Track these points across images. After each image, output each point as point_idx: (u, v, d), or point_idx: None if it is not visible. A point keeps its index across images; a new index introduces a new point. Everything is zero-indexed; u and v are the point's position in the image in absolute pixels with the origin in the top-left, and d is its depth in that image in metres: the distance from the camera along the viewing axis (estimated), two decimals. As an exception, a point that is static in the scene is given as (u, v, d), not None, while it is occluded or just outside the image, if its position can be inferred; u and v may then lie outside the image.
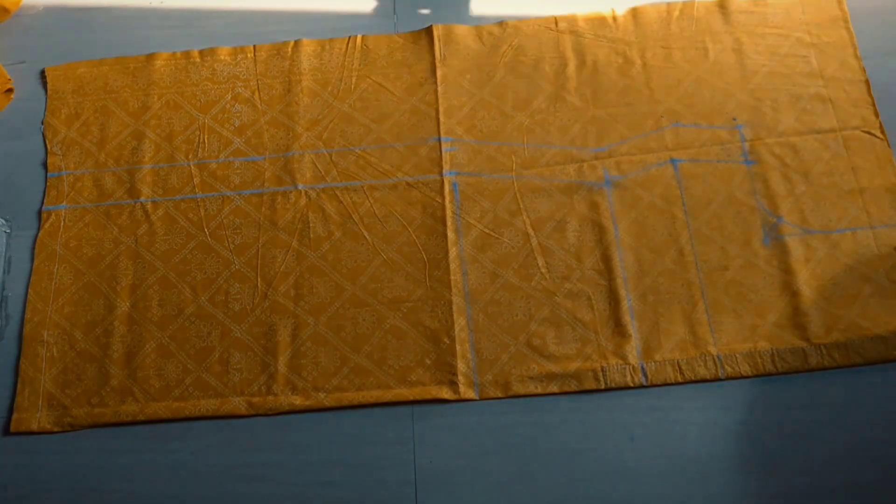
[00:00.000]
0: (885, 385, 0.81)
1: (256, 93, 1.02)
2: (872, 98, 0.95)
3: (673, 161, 0.93)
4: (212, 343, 0.88)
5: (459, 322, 0.87)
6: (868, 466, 0.77)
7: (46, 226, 0.95)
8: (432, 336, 0.86)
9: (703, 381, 0.82)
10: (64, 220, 0.95)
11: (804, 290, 0.85)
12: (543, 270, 0.89)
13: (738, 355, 0.83)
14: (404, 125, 0.99)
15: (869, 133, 0.93)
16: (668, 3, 1.04)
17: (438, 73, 1.02)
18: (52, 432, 0.84)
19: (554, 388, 0.83)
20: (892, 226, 0.88)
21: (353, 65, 1.03)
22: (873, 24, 0.93)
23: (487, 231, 0.91)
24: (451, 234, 0.91)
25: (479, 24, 1.05)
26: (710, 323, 0.85)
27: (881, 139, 0.92)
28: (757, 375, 0.82)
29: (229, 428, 0.84)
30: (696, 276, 0.87)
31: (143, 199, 0.96)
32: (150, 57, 1.06)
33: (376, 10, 1.09)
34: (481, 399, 0.83)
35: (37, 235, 0.95)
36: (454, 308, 0.87)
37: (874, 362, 0.82)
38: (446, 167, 0.95)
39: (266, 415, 0.84)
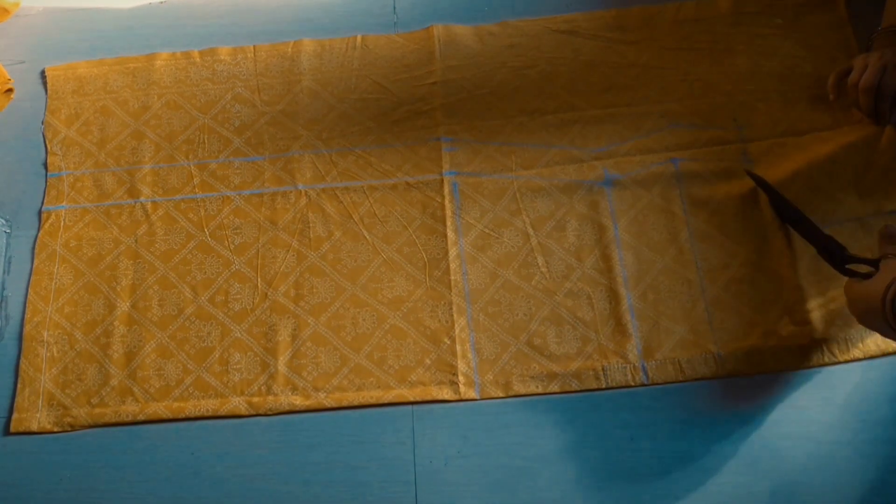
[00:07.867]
0: (886, 382, 0.81)
1: (256, 93, 1.02)
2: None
3: (673, 160, 0.93)
4: (212, 343, 0.87)
5: (460, 322, 0.87)
6: (869, 465, 0.77)
7: (46, 226, 0.95)
8: (432, 336, 0.86)
9: (704, 379, 0.82)
10: (64, 220, 0.95)
11: (804, 285, 0.85)
12: (543, 270, 0.89)
13: (738, 353, 0.83)
14: (404, 125, 0.99)
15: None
16: (669, 4, 1.04)
17: (438, 73, 1.02)
18: (52, 432, 0.84)
19: (555, 388, 0.83)
20: (887, 213, 0.88)
21: (353, 65, 1.03)
22: (873, 24, 0.93)
23: (487, 231, 0.91)
24: (450, 234, 0.91)
25: (478, 24, 1.05)
26: (711, 321, 0.85)
27: (878, 134, 0.92)
28: (757, 373, 0.82)
29: (229, 428, 0.84)
30: (695, 274, 0.87)
31: (143, 199, 0.96)
32: (150, 57, 1.06)
33: (376, 9, 1.09)
34: (482, 399, 0.83)
35: (37, 235, 0.95)
36: (454, 308, 0.87)
37: (874, 356, 0.81)
38: (446, 167, 0.95)
39: (266, 415, 0.84)
